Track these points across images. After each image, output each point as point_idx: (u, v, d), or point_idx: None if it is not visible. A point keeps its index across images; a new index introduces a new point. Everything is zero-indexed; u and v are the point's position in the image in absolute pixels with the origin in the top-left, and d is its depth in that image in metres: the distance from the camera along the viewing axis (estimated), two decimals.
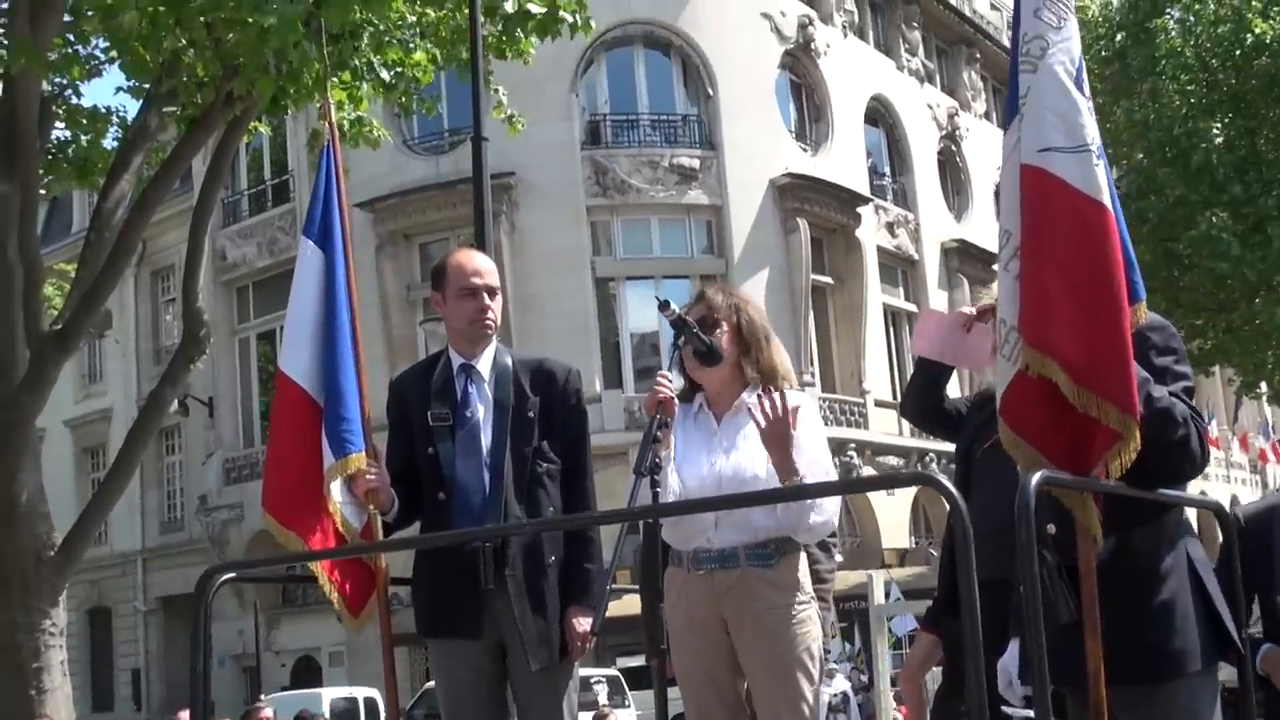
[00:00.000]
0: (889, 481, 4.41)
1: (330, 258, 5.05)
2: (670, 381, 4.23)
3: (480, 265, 4.86)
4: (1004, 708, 3.29)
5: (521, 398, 4.72)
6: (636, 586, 5.28)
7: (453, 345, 4.84)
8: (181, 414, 29.45)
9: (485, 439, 4.67)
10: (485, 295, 4.78)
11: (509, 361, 4.79)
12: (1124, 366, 3.42)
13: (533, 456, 4.67)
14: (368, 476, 4.72)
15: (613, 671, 23.29)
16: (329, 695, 25.41)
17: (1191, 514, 3.92)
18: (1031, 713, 3.02)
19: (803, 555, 4.39)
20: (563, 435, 4.76)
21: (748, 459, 4.31)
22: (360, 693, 25.78)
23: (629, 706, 23.03)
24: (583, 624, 4.59)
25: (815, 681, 4.31)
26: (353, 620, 4.82)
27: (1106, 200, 3.49)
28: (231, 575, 4.37)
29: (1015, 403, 3.54)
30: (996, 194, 38.63)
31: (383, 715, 24.64)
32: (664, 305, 4.32)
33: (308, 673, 32.46)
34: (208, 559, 34.29)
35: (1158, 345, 3.69)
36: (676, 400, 4.28)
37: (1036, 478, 3.04)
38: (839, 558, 5.59)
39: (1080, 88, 3.55)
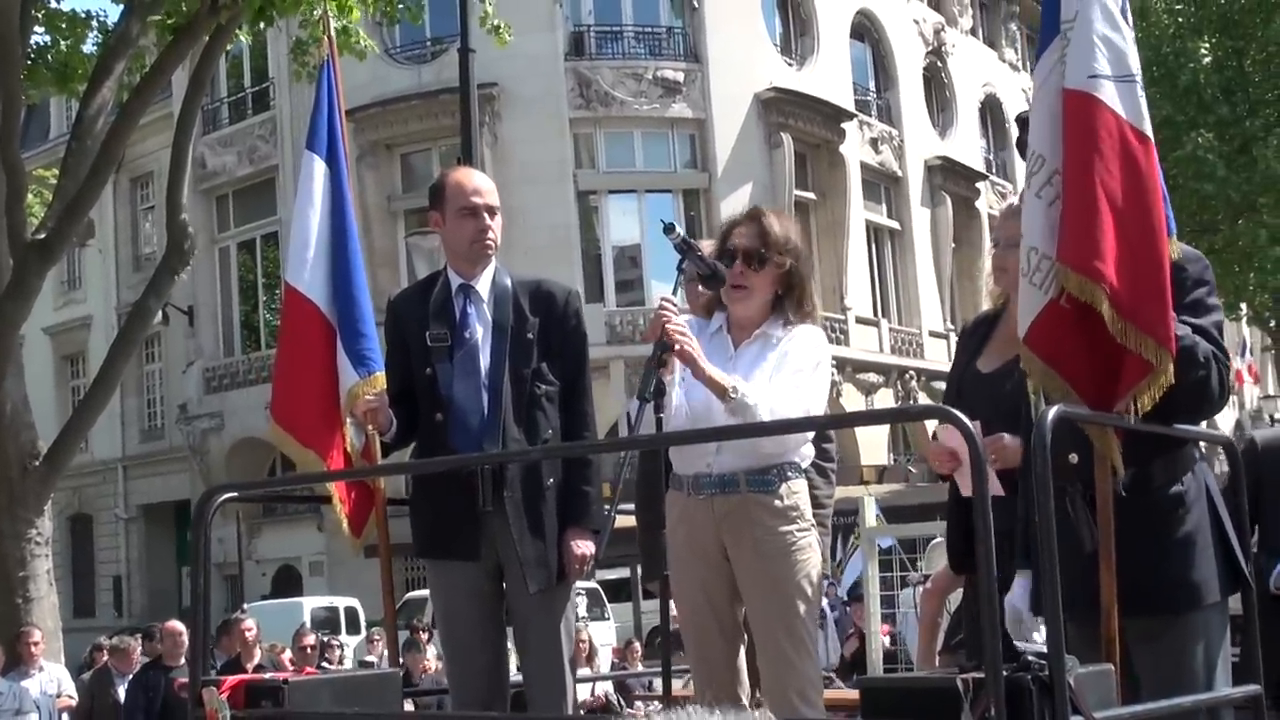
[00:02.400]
0: (900, 415, 4.42)
1: (335, 172, 5.00)
2: (674, 307, 4.19)
3: (480, 184, 4.79)
4: (1015, 642, 3.30)
5: (521, 319, 4.68)
6: (633, 507, 5.31)
7: (451, 265, 4.78)
8: (162, 323, 29.33)
9: (484, 360, 4.63)
10: (485, 215, 4.72)
11: (508, 282, 4.74)
12: (1163, 300, 3.40)
13: (531, 378, 4.64)
14: (367, 397, 4.70)
15: (592, 584, 23.46)
16: (309, 604, 25.54)
17: None
18: (1043, 646, 3.03)
19: (804, 481, 4.38)
20: (562, 357, 4.73)
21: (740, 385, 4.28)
22: (341, 602, 25.93)
23: (608, 619, 23.24)
24: (581, 547, 4.59)
25: (814, 607, 4.33)
26: (355, 541, 4.82)
27: (1149, 131, 3.47)
28: (232, 495, 4.36)
29: (1044, 330, 3.49)
30: (981, 112, 38.27)
31: (363, 623, 24.80)
32: (669, 228, 4.28)
33: (288, 582, 32.60)
34: (188, 467, 34.39)
35: (1193, 277, 3.67)
36: (685, 321, 4.23)
37: (1053, 412, 3.03)
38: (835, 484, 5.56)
39: (1125, 17, 3.51)
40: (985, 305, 4.89)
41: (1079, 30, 3.49)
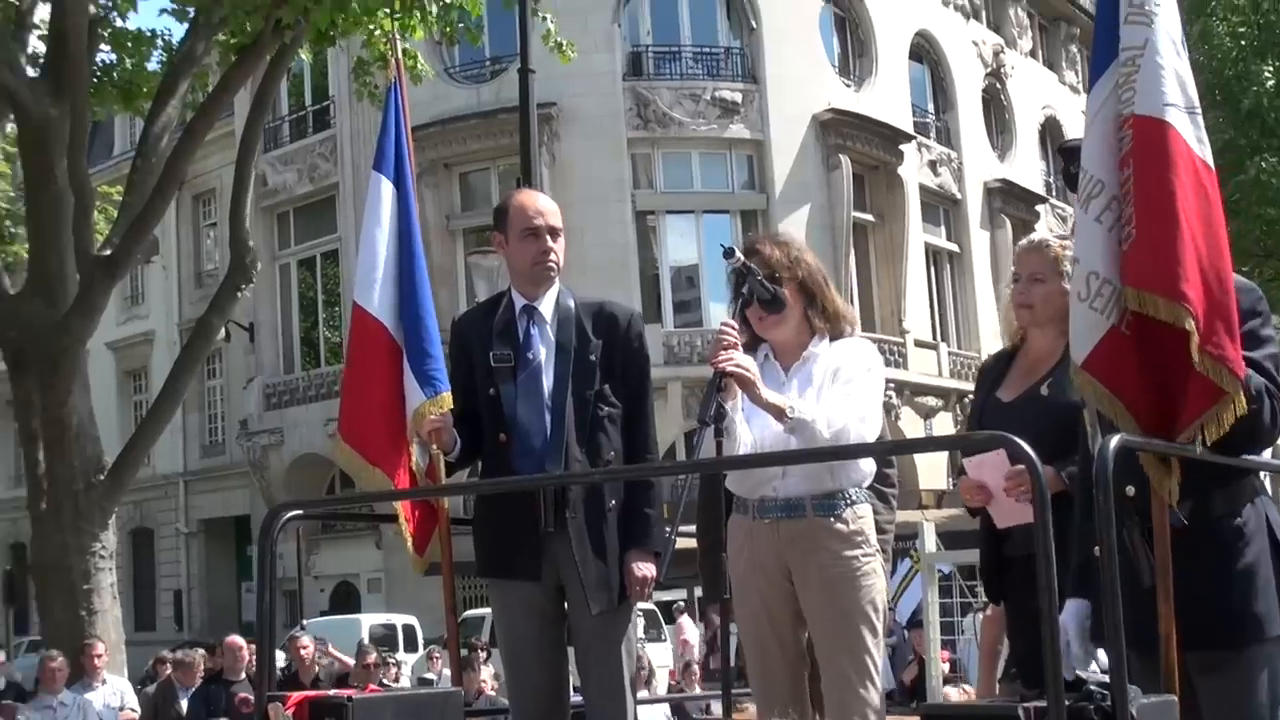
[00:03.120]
0: (961, 442, 4.39)
1: (402, 193, 5.06)
2: (735, 330, 4.20)
3: (543, 206, 4.82)
4: (1079, 672, 3.28)
5: (584, 340, 4.70)
6: (694, 530, 5.32)
7: (515, 286, 4.81)
8: (223, 339, 29.62)
9: (547, 381, 4.66)
10: (548, 236, 4.74)
11: (571, 304, 4.77)
12: (1234, 328, 3.39)
13: (594, 400, 4.66)
14: (431, 417, 4.74)
15: (649, 605, 23.44)
16: (367, 621, 25.66)
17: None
18: (1103, 675, 3.02)
19: (869, 506, 4.38)
20: (624, 379, 4.74)
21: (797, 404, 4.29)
22: (399, 619, 26.03)
23: (664, 640, 23.19)
24: (642, 569, 4.60)
25: (878, 634, 4.31)
26: (419, 560, 4.86)
27: (1212, 162, 3.49)
28: (298, 513, 4.41)
29: (1106, 358, 3.47)
30: (1041, 134, 38.01)
31: (420, 641, 24.89)
32: (729, 253, 4.30)
33: (346, 598, 32.80)
34: (248, 483, 34.67)
35: (1244, 308, 3.62)
36: (740, 348, 4.25)
37: (1115, 441, 3.02)
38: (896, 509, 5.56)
39: (1184, 48, 3.53)
40: (1001, 342, 4.87)
41: (1148, 59, 3.49)
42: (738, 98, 30.61)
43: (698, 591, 23.61)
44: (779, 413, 4.13)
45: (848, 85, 32.64)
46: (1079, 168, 3.62)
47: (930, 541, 9.24)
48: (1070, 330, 3.63)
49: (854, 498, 4.31)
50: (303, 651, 11.64)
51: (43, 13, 13.76)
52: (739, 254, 4.30)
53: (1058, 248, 4.41)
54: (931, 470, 31.54)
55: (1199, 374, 3.38)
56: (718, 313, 28.15)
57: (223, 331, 15.99)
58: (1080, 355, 3.54)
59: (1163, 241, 3.41)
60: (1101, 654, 3.45)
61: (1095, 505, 2.97)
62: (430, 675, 17.44)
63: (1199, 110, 3.53)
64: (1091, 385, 3.51)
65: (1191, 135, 3.48)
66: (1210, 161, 3.50)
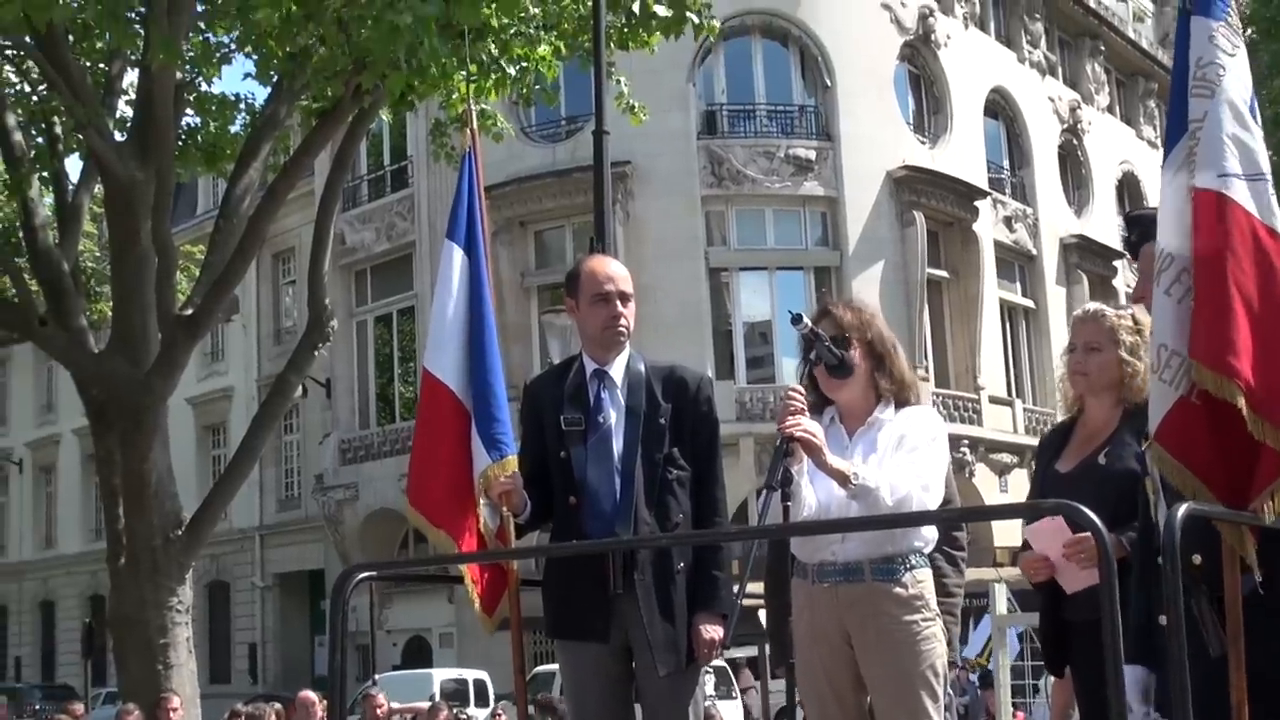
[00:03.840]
0: (1032, 510, 4.38)
1: (474, 261, 5.15)
2: (802, 396, 4.24)
3: (614, 272, 4.88)
4: None
5: (653, 404, 4.74)
6: (761, 591, 5.34)
7: (586, 350, 4.88)
8: (301, 395, 29.96)
9: (617, 445, 4.70)
10: (618, 302, 4.80)
11: (642, 368, 4.82)
12: None
13: (663, 463, 4.69)
14: (502, 479, 4.81)
15: (719, 663, 23.33)
16: (439, 676, 25.74)
17: None
18: None
19: (929, 570, 4.39)
20: (693, 442, 4.78)
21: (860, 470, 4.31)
22: (470, 674, 26.08)
23: (735, 698, 23.07)
24: (710, 631, 4.62)
25: (938, 698, 4.31)
26: (487, 620, 4.91)
27: None
28: (370, 575, 4.47)
29: (1176, 429, 3.49)
30: (1119, 189, 37.71)
31: (491, 695, 24.91)
32: (796, 319, 4.33)
33: (419, 652, 32.90)
34: (323, 537, 34.96)
35: None
36: (807, 413, 4.28)
37: (1183, 510, 3.02)
38: (966, 571, 5.54)
39: (1254, 116, 3.54)
40: (1059, 414, 4.89)
41: (1208, 130, 3.52)
42: (812, 155, 30.69)
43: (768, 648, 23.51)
44: (843, 479, 4.16)
45: (922, 142, 32.64)
46: (1139, 236, 3.64)
47: (1002, 602, 9.18)
48: (1149, 402, 3.64)
49: (913, 562, 4.32)
50: (378, 711, 11.74)
51: (130, 78, 14.09)
52: (806, 320, 4.34)
53: (1114, 318, 4.44)
54: (1006, 529, 31.21)
55: (1267, 444, 3.38)
56: (791, 369, 28.13)
57: (300, 388, 16.18)
58: (1153, 427, 3.56)
59: (1215, 314, 3.44)
60: None
61: (1163, 574, 2.97)
62: None
63: (1267, 177, 3.53)
64: (1161, 456, 3.52)
65: (1255, 204, 3.48)
66: (1279, 228, 3.50)
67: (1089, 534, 3.81)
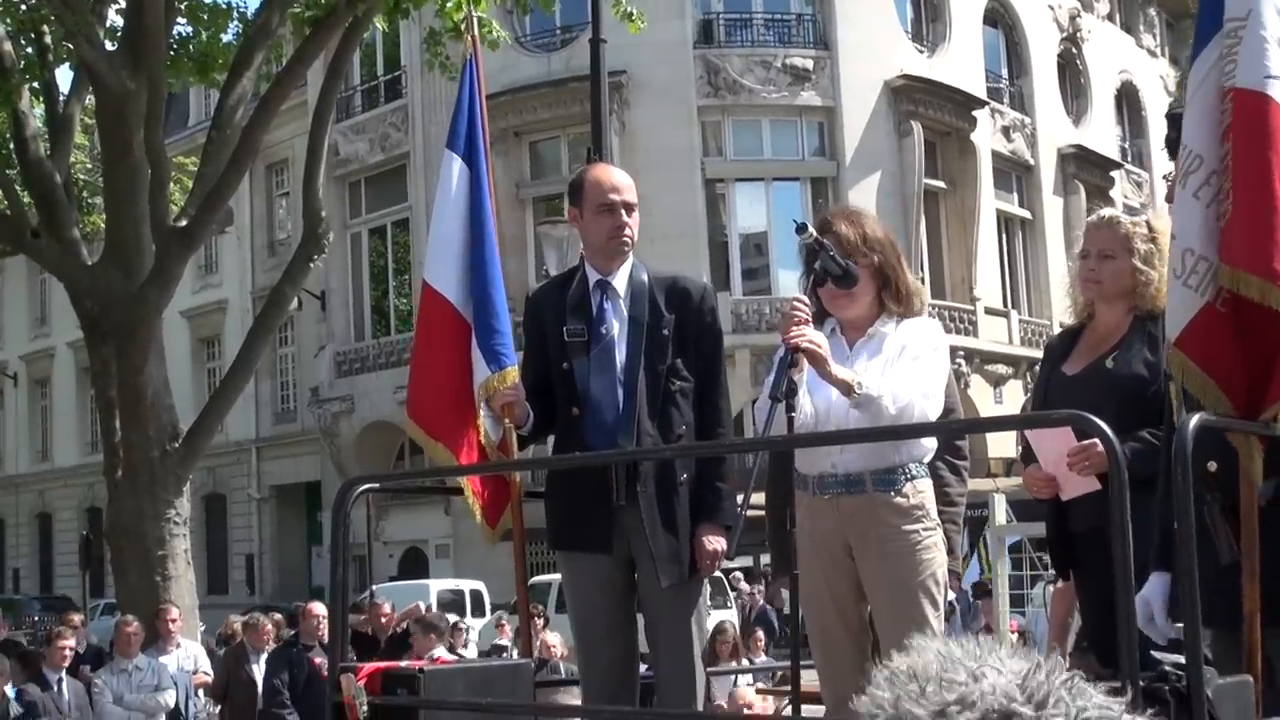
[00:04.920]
0: (1039, 421, 4.35)
1: (475, 173, 5.08)
2: (806, 305, 4.19)
3: (619, 181, 4.81)
4: (1152, 651, 3.25)
5: (656, 315, 4.70)
6: (763, 502, 5.33)
7: (589, 260, 4.82)
8: (295, 308, 29.91)
9: (620, 355, 4.67)
10: (623, 211, 4.74)
11: (645, 278, 4.77)
12: None
13: (666, 374, 4.66)
14: (504, 390, 4.78)
15: (716, 572, 23.49)
16: (435, 586, 25.93)
17: None
18: (1180, 657, 3.00)
19: (929, 480, 4.37)
20: (697, 353, 4.74)
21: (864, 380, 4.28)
22: (466, 584, 26.28)
23: (730, 607, 23.26)
24: (713, 543, 4.61)
25: (939, 606, 4.32)
26: (490, 531, 4.90)
27: None
28: (372, 486, 4.46)
29: (1200, 336, 3.43)
30: (1117, 99, 37.31)
31: (487, 606, 25.09)
32: (801, 228, 4.27)
33: (415, 563, 33.13)
34: (319, 449, 35.05)
35: None
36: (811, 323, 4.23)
37: (1195, 420, 2.99)
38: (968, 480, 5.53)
39: None
40: (1066, 318, 4.83)
41: (1251, 29, 3.41)
42: (809, 64, 30.42)
43: (763, 560, 23.66)
44: (846, 388, 4.13)
45: (920, 51, 32.35)
46: (1180, 135, 3.56)
47: (1000, 513, 9.21)
48: (1167, 308, 3.59)
49: (914, 472, 4.30)
50: (382, 618, 11.83)
51: None
52: (811, 230, 4.27)
53: (1128, 224, 4.39)
54: (1001, 439, 31.29)
55: None
56: (787, 281, 28.06)
57: (295, 300, 16.14)
58: (1174, 333, 3.49)
59: (1259, 219, 3.35)
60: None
61: (1173, 483, 2.95)
62: (502, 642, 17.57)
63: None
64: (1183, 363, 3.47)
65: None
66: None
67: (1094, 441, 3.80)
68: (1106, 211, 4.61)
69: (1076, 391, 4.22)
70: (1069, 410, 3.64)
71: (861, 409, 4.15)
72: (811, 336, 4.09)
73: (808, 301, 4.21)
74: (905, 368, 4.28)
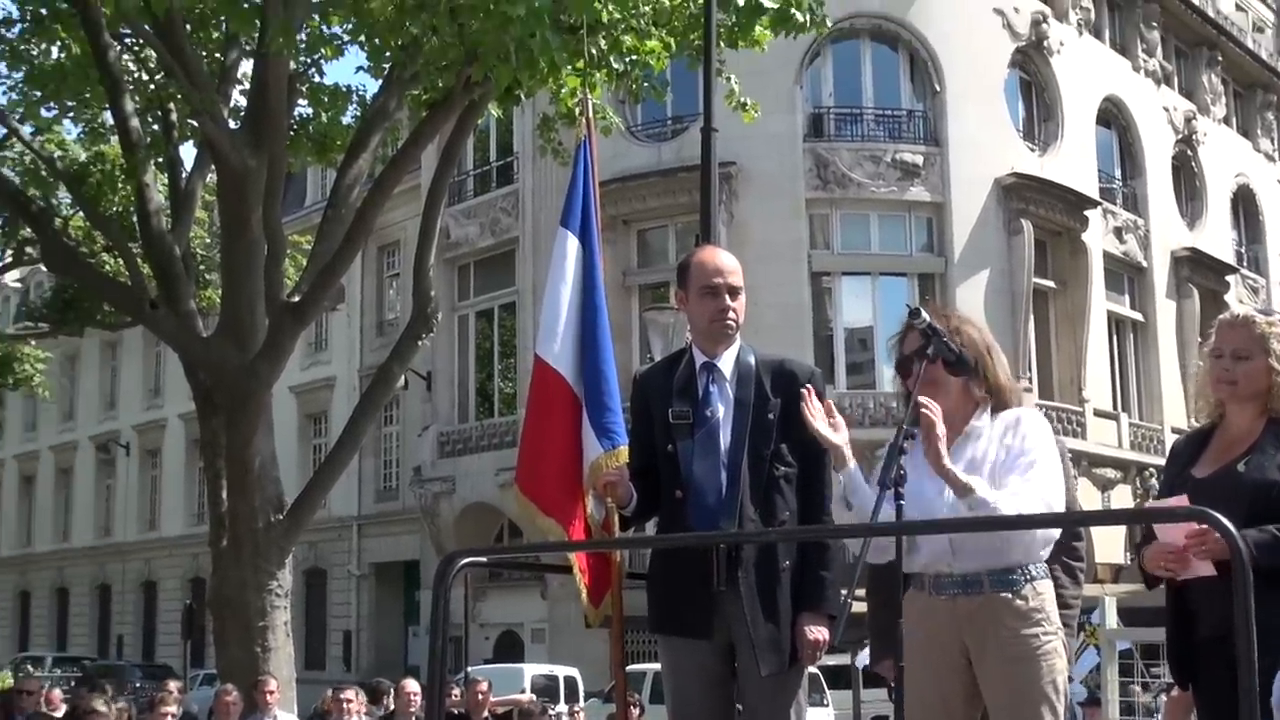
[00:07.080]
0: (1161, 515, 4.22)
1: (588, 250, 5.11)
2: (935, 405, 4.06)
3: (724, 264, 4.80)
4: None
5: (762, 398, 4.67)
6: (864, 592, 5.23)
7: (695, 343, 4.81)
8: (402, 387, 30.22)
9: (724, 439, 4.63)
10: (727, 295, 4.73)
11: (752, 361, 4.74)
12: None
13: (770, 459, 4.62)
14: (608, 470, 4.76)
15: (812, 669, 23.14)
16: (530, 671, 25.79)
17: None
18: None
19: (1049, 582, 4.25)
20: (801, 439, 4.66)
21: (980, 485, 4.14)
22: (560, 670, 26.12)
23: (827, 705, 22.90)
24: (815, 632, 4.54)
25: (1059, 715, 4.16)
26: (594, 610, 4.87)
27: None
28: (476, 560, 4.42)
29: None
30: (1233, 202, 36.98)
31: (581, 693, 24.93)
32: (914, 313, 4.21)
33: (510, 647, 33.05)
34: (419, 528, 35.22)
35: None
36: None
37: None
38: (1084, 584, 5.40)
39: None
40: (1179, 421, 4.71)
41: None
42: (919, 160, 30.37)
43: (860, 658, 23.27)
44: (962, 489, 4.02)
45: (1032, 149, 32.18)
46: None
47: (1111, 617, 8.97)
48: None
49: (1034, 573, 4.17)
50: (479, 696, 11.79)
51: (245, 67, 14.28)
52: (925, 315, 4.20)
53: (1264, 324, 4.27)
54: (1108, 544, 30.72)
55: None
56: (890, 375, 27.77)
57: (401, 379, 16.30)
58: None
59: None
60: None
61: None
62: None
63: None
64: None
65: None
66: None
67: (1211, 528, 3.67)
68: (1241, 310, 4.49)
69: (1207, 495, 4.06)
70: (1193, 506, 3.52)
71: (974, 512, 4.03)
72: (940, 427, 3.99)
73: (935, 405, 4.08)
74: (1021, 479, 4.12)
